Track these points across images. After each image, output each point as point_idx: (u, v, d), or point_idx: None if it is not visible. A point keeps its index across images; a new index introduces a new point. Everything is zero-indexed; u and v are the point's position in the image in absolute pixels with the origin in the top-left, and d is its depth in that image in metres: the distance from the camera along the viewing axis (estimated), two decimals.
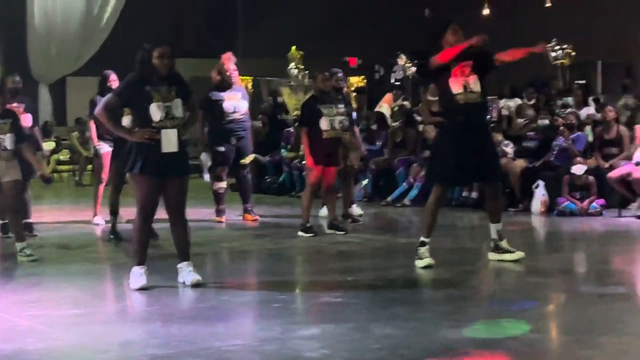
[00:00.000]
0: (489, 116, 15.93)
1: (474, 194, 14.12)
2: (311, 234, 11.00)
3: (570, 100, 15.64)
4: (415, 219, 13.19)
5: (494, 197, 8.92)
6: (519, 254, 8.82)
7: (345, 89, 13.26)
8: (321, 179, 11.23)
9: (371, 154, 15.46)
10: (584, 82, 17.64)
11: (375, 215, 13.59)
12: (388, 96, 18.42)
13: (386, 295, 7.39)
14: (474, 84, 8.54)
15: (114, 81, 11.38)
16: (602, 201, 13.04)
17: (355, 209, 12.94)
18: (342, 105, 11.77)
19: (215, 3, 23.79)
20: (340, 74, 12.58)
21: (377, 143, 16.12)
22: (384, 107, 17.88)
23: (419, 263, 8.61)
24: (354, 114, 13.04)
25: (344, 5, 23.46)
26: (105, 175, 11.89)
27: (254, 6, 23.29)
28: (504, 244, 8.87)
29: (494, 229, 8.90)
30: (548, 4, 19.14)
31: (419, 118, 16.64)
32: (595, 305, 6.99)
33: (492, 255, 8.92)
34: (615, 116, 13.88)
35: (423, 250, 8.65)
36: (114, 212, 11.02)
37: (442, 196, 8.91)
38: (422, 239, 8.72)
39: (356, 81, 21.93)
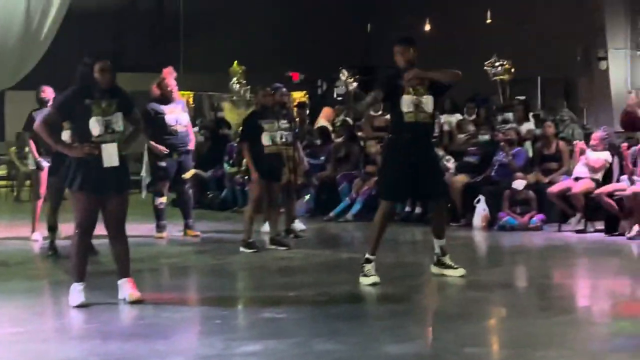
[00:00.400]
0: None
1: (418, 209, 14.17)
2: (253, 250, 10.94)
3: (510, 115, 15.76)
4: (358, 234, 13.20)
5: (438, 213, 9.01)
6: (461, 271, 8.84)
7: (288, 104, 13.26)
8: (263, 194, 11.19)
9: (314, 169, 15.46)
10: (523, 98, 17.79)
11: (317, 231, 13.57)
12: (326, 110, 18.46)
13: (328, 311, 7.37)
14: (426, 104, 8.59)
15: (50, 95, 11.27)
16: (542, 216, 13.16)
17: (298, 225, 12.91)
18: (286, 121, 11.77)
19: (156, 17, 23.70)
20: (284, 89, 12.58)
21: (321, 157, 16.12)
22: (322, 121, 17.90)
23: (365, 280, 8.55)
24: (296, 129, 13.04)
25: (286, 20, 23.49)
26: (43, 190, 11.74)
27: (195, 21, 23.19)
28: (446, 259, 8.92)
29: (437, 244, 8.95)
30: (488, 20, 19.33)
31: (361, 133, 16.71)
32: (535, 319, 7.03)
33: (435, 269, 8.96)
34: (555, 132, 14.03)
35: (369, 267, 8.61)
36: (53, 228, 10.89)
37: (389, 212, 8.94)
38: (367, 255, 8.68)
39: (298, 96, 21.94)
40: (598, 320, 7.22)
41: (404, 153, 8.58)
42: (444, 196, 9.34)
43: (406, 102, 8.54)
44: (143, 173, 12.56)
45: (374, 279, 8.52)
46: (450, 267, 8.86)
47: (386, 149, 9.15)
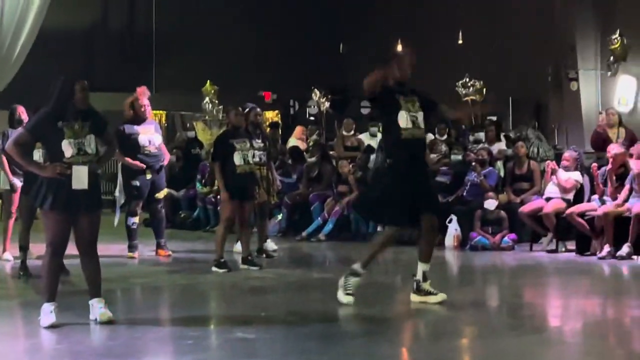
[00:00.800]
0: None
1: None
2: (225, 269, 10.92)
3: (482, 135, 15.85)
4: (330, 254, 13.22)
5: (430, 232, 8.62)
6: (441, 296, 8.50)
7: (261, 123, 13.29)
8: (235, 213, 11.18)
9: (287, 188, 15.46)
10: (495, 118, 17.91)
11: (289, 250, 13.57)
12: (298, 130, 18.51)
13: (299, 331, 7.36)
14: (422, 121, 8.47)
15: (22, 114, 11.25)
16: (513, 236, 13.23)
17: (270, 244, 12.91)
18: (260, 140, 11.80)
19: (128, 37, 23.66)
20: (258, 109, 12.60)
21: (293, 177, 16.13)
22: (294, 140, 17.95)
23: (340, 296, 8.40)
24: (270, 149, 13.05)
25: (259, 40, 23.53)
26: (14, 210, 11.68)
27: (167, 40, 23.20)
28: (426, 285, 8.54)
29: (421, 268, 8.57)
30: (460, 41, 19.43)
31: (333, 153, 16.75)
32: (507, 338, 7.05)
33: (415, 297, 8.60)
34: (527, 152, 14.13)
35: (353, 281, 8.42)
36: (24, 248, 10.82)
37: (394, 238, 8.67)
38: (356, 268, 8.49)
39: (271, 116, 21.98)
40: (569, 340, 7.25)
41: (404, 174, 8.36)
42: (437, 214, 9.13)
43: (403, 119, 8.38)
44: (117, 193, 12.52)
45: (349, 299, 8.36)
46: (429, 293, 8.51)
47: (386, 171, 8.63)
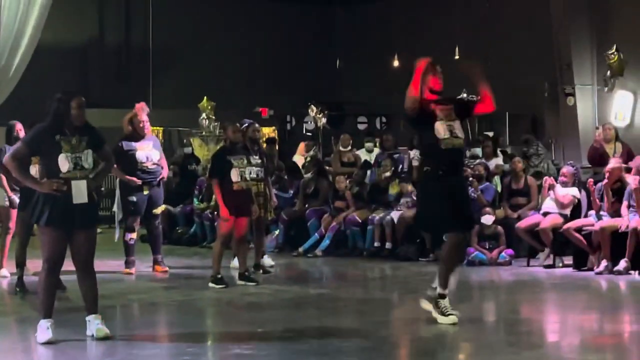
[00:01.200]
0: (401, 166, 16.11)
1: (388, 244, 14.20)
2: (222, 285, 10.91)
3: (479, 151, 15.86)
4: (326, 270, 13.20)
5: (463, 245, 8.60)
6: (452, 319, 8.23)
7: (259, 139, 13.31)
8: (232, 229, 11.17)
9: (284, 203, 15.47)
10: (492, 134, 17.91)
11: (286, 266, 13.55)
12: (301, 146, 18.53)
13: (296, 347, 7.35)
14: (459, 129, 8.36)
15: (20, 131, 11.25)
16: (510, 251, 13.22)
17: (267, 260, 12.90)
18: (257, 156, 11.81)
19: (124, 52, 23.66)
20: (256, 125, 12.63)
21: (290, 192, 16.14)
22: (297, 157, 17.98)
23: (444, 320, 8.18)
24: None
25: (256, 56, 23.57)
26: (12, 225, 11.66)
27: (164, 56, 23.22)
28: (445, 302, 8.28)
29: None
30: (457, 57, 19.45)
31: (330, 168, 16.75)
32: (504, 355, 7.04)
33: (425, 305, 8.41)
34: (523, 167, 14.14)
35: (444, 303, 8.23)
36: (21, 264, 10.80)
37: (460, 242, 8.49)
38: (439, 291, 8.25)
39: (268, 131, 21.97)
40: (567, 355, 7.24)
41: (446, 185, 8.21)
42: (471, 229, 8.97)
43: (441, 129, 8.25)
44: (115, 209, 12.51)
45: (453, 318, 8.15)
46: (443, 313, 8.25)
47: (425, 183, 8.56)
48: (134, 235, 12.39)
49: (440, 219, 8.34)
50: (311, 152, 17.87)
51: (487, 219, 13.16)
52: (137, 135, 12.25)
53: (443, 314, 8.16)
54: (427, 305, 8.42)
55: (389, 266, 12.90)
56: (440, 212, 8.27)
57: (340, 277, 12.76)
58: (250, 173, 11.44)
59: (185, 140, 20.75)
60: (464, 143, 8.56)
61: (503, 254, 13.12)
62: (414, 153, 16.44)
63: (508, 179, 14.24)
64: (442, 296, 8.21)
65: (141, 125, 12.25)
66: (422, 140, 8.67)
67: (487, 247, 13.21)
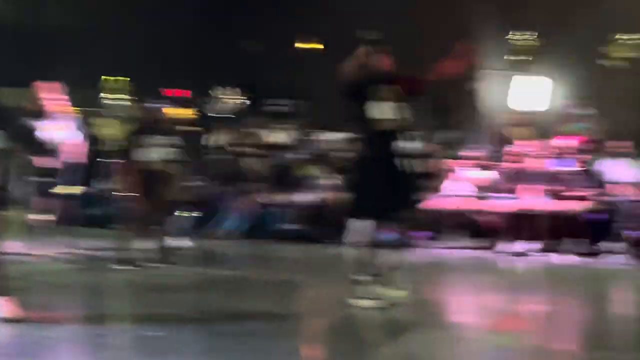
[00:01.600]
0: (316, 149, 16.14)
1: (301, 226, 14.24)
2: (131, 267, 10.81)
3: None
4: (240, 252, 13.18)
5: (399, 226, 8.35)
6: (403, 293, 8.29)
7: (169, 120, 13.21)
8: (141, 211, 11.07)
9: (198, 185, 15.40)
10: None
11: (199, 248, 13.48)
12: (221, 128, 18.48)
13: (208, 329, 7.31)
14: (396, 109, 8.06)
15: None
16: (419, 233, 13.34)
17: (177, 242, 12.81)
18: (167, 137, 11.73)
19: (30, 31, 23.23)
20: (167, 106, 12.53)
21: (204, 174, 16.08)
22: (216, 138, 17.92)
23: (365, 303, 8.10)
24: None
25: (169, 37, 23.32)
26: None
27: (71, 35, 22.85)
28: (393, 279, 8.23)
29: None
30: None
31: (242, 150, 16.71)
32: (411, 335, 7.11)
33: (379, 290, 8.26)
34: (431, 150, 14.30)
35: (367, 289, 8.13)
36: None
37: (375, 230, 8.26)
38: (358, 278, 8.19)
39: (180, 113, 21.82)
40: (473, 336, 7.33)
41: (379, 166, 8.04)
42: (413, 208, 8.64)
43: (378, 109, 8.01)
44: (19, 189, 12.29)
45: (373, 304, 8.06)
46: (394, 287, 8.24)
47: (359, 164, 8.27)
48: (41, 217, 12.21)
49: (376, 202, 8.07)
50: (225, 135, 17.81)
51: None
52: (42, 114, 12.07)
53: (366, 297, 8.05)
54: (380, 290, 8.25)
55: (303, 248, 12.91)
56: (376, 195, 8.04)
57: (253, 259, 12.75)
58: (162, 154, 11.35)
59: (93, 121, 20.48)
60: (401, 125, 8.14)
61: (412, 235, 13.24)
62: (329, 135, 16.51)
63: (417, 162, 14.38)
64: (367, 281, 8.11)
65: (44, 104, 12.07)
66: (358, 121, 8.32)
67: (398, 228, 13.31)
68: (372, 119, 7.98)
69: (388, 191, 8.00)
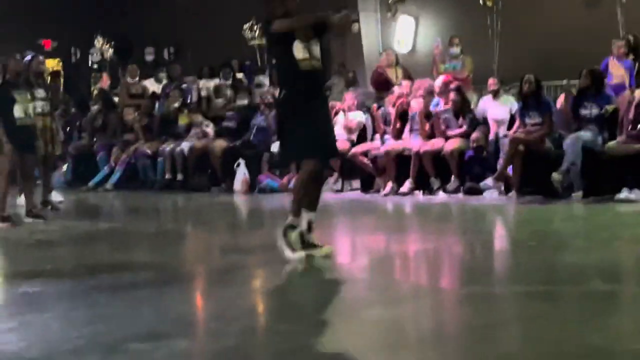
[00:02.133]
0: (190, 97, 16.03)
1: (179, 176, 14.17)
2: (8, 223, 10.63)
3: (264, 79, 15.96)
4: (117, 204, 13.07)
5: (321, 176, 7.82)
6: (328, 249, 7.79)
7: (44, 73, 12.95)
8: (17, 166, 10.87)
9: (71, 138, 15.19)
10: None
11: (76, 202, 13.35)
12: (104, 77, 18.21)
13: (87, 283, 7.23)
14: (317, 49, 7.56)
15: None
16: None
17: (55, 196, 12.64)
18: (42, 90, 11.51)
19: None
20: (40, 57, 12.26)
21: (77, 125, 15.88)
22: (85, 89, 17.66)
23: (293, 255, 7.49)
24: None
25: None
26: None
27: None
28: (312, 238, 7.69)
29: (306, 217, 7.62)
30: None
31: (117, 100, 16.51)
32: (295, 279, 7.17)
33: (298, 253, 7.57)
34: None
35: (293, 235, 7.52)
36: None
37: (319, 171, 7.62)
38: (289, 222, 7.55)
39: (52, 64, 21.37)
40: (357, 276, 7.42)
41: (310, 107, 7.45)
42: (334, 156, 8.13)
43: (299, 49, 7.46)
44: None
45: (300, 254, 7.49)
46: (315, 246, 7.68)
47: (287, 106, 7.59)
48: None
49: (302, 144, 7.48)
50: (98, 85, 17.57)
51: (277, 147, 13.29)
52: None
53: (292, 247, 7.52)
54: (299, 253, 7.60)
55: (181, 198, 12.85)
56: (302, 137, 7.45)
57: (131, 211, 12.66)
58: (35, 108, 11.13)
59: None
60: (322, 64, 7.61)
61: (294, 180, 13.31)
62: (203, 83, 16.41)
63: None
64: (292, 227, 7.55)
65: None
66: (280, 62, 7.88)
67: (278, 174, 13.35)
68: (300, 59, 7.46)
69: (311, 133, 7.45)
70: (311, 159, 7.47)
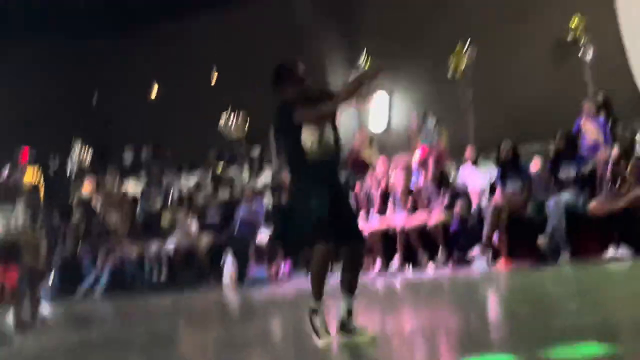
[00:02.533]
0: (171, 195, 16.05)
1: (166, 276, 14.16)
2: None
3: (243, 171, 16.03)
4: (108, 310, 12.96)
5: (357, 259, 7.41)
6: (371, 336, 7.22)
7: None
8: (3, 281, 10.81)
9: (55, 248, 15.15)
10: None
11: (66, 311, 13.22)
12: (87, 182, 18.19)
13: None
14: (330, 134, 7.16)
15: None
16: (288, 265, 13.41)
17: (44, 308, 12.55)
18: (23, 204, 11.52)
19: None
20: (21, 169, 12.28)
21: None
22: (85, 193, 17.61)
23: (320, 342, 7.03)
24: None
25: (14, 94, 22.67)
26: None
27: None
28: (353, 323, 7.24)
29: (346, 303, 7.20)
30: (213, 81, 19.54)
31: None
32: None
33: (342, 336, 7.21)
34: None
35: (319, 320, 7.05)
36: None
37: (328, 254, 7.10)
38: (312, 306, 7.08)
39: (31, 173, 21.29)
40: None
41: (317, 192, 7.00)
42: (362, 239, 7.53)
43: (308, 135, 7.05)
44: None
45: (326, 339, 7.02)
46: (358, 332, 7.22)
47: (296, 193, 7.29)
48: None
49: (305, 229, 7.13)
50: (78, 192, 17.55)
51: (262, 238, 13.31)
52: None
53: (318, 332, 7.08)
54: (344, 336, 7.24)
55: (170, 298, 12.78)
56: (305, 222, 7.09)
57: (122, 316, 12.56)
58: (18, 221, 11.12)
59: None
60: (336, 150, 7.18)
61: (282, 268, 13.29)
62: (183, 180, 16.44)
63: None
64: (314, 311, 7.10)
65: None
66: (288, 154, 7.32)
67: (267, 262, 13.33)
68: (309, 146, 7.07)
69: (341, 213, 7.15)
70: (321, 244, 7.03)
